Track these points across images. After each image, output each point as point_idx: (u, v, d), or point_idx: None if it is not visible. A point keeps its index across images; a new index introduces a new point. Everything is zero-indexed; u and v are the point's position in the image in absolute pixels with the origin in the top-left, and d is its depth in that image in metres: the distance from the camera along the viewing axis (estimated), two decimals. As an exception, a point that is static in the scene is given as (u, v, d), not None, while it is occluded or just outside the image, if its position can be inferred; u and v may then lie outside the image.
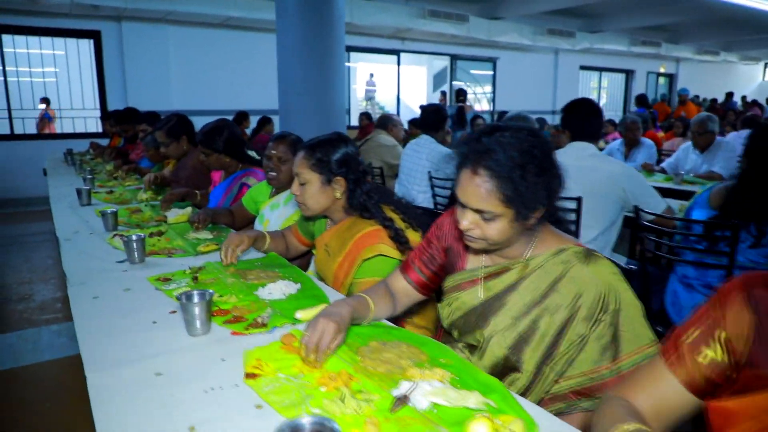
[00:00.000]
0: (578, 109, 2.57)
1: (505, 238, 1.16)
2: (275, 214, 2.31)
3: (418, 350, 1.22)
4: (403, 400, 0.99)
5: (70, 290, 1.65)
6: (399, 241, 1.65)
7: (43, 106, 7.96)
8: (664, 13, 10.95)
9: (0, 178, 7.44)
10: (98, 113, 8.02)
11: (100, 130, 8.04)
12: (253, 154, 2.85)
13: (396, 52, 10.77)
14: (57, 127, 7.93)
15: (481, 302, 1.28)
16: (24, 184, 7.49)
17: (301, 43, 3.66)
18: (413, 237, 1.67)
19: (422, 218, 1.76)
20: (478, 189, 1.11)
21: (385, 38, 10.33)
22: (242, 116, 7.38)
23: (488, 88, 12.56)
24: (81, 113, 8.02)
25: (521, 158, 1.09)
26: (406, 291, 1.45)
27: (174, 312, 1.45)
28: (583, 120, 2.54)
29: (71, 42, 7.79)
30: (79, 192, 2.94)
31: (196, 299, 1.31)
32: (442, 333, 1.47)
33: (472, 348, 1.30)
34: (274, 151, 2.26)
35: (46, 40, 7.64)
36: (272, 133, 7.00)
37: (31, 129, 7.74)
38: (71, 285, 1.69)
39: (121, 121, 4.99)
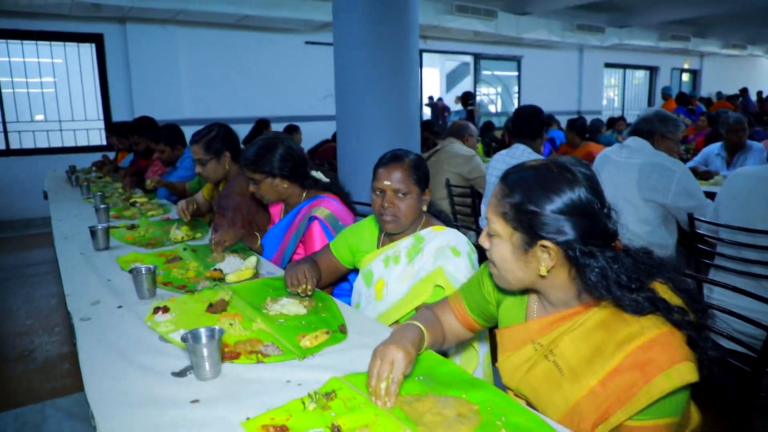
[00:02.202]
0: None
1: None
2: (394, 272, 1.57)
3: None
4: None
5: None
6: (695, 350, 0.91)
7: (40, 117, 7.21)
8: (693, 6, 10.29)
9: (-4, 197, 6.70)
10: (102, 124, 7.28)
11: (104, 142, 7.31)
12: (319, 175, 2.10)
13: (419, 52, 10.03)
14: (57, 141, 7.17)
15: None
16: (22, 204, 6.77)
17: (369, 42, 2.93)
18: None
19: None
20: None
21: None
22: (263, 124, 6.65)
23: (506, 89, 11.83)
24: (83, 125, 7.27)
25: None
26: (454, 330, 1.31)
27: None
28: None
29: (71, 48, 7.06)
30: (93, 232, 2.19)
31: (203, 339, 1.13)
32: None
33: None
34: (388, 182, 1.52)
35: (44, 48, 6.90)
36: (300, 142, 6.25)
37: (29, 143, 6.99)
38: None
39: (133, 133, 4.24)
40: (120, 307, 1.55)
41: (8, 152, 6.86)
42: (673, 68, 15.26)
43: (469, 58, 11.39)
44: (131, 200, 3.37)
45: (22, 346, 3.32)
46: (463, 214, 3.53)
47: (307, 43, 8.52)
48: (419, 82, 3.13)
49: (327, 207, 1.97)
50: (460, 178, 3.46)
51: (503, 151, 3.12)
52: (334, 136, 5.65)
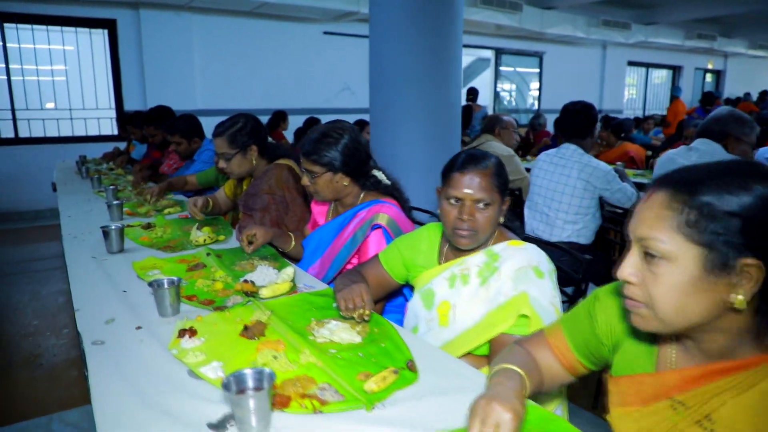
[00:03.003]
0: None
1: None
2: (463, 294, 1.31)
3: None
4: None
5: None
6: None
7: (51, 105, 7.00)
8: (721, 4, 9.94)
9: (4, 187, 6.51)
10: (113, 113, 7.06)
11: (115, 132, 7.10)
12: (381, 176, 1.85)
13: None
14: (67, 130, 6.96)
15: None
16: (31, 194, 6.58)
17: (409, 33, 2.67)
18: None
19: None
20: None
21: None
22: (280, 117, 6.41)
23: (534, 85, 11.53)
24: (94, 113, 7.06)
25: None
26: (553, 373, 1.05)
27: None
28: None
29: (83, 36, 6.83)
30: (106, 233, 1.95)
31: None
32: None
33: None
34: (469, 190, 1.28)
35: (55, 35, 6.68)
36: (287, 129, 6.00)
37: (38, 132, 6.78)
38: None
39: (149, 124, 4.00)
40: (139, 328, 1.31)
41: (17, 140, 6.66)
42: (697, 68, 14.88)
43: (488, 53, 11.08)
44: (144, 195, 3.13)
45: (27, 350, 3.10)
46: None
47: (325, 33, 8.27)
48: (461, 76, 2.84)
49: (387, 212, 1.71)
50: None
51: (551, 151, 2.85)
52: (308, 127, 5.41)
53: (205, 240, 2.07)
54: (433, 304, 1.37)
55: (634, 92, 14.29)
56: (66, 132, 6.94)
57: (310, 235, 1.92)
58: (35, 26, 6.54)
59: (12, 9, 6.26)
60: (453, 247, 1.41)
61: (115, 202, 2.52)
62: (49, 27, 6.62)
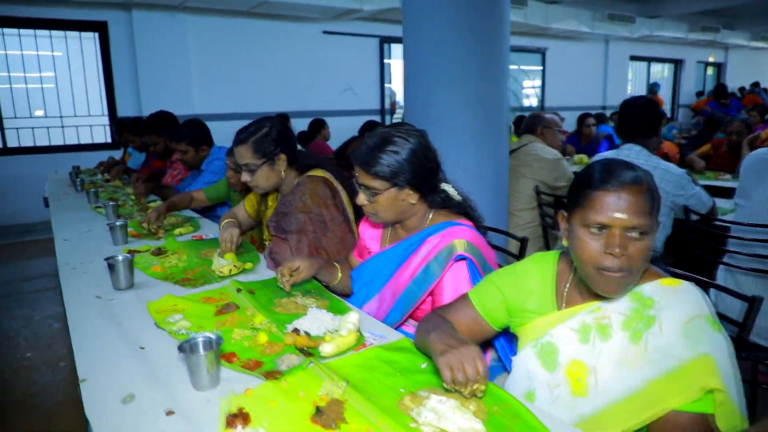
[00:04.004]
0: None
1: None
2: (605, 353, 0.99)
3: None
4: None
5: None
6: None
7: (40, 113, 6.61)
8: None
9: (-8, 200, 6.12)
10: (107, 120, 6.69)
11: (109, 139, 6.73)
12: (451, 190, 1.51)
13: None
14: (59, 138, 6.58)
15: None
16: (20, 207, 6.21)
17: (452, 34, 2.34)
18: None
19: None
20: None
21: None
22: (319, 124, 5.97)
23: (527, 83, 11.23)
24: (86, 121, 6.68)
25: None
26: None
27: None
28: None
29: (72, 40, 6.46)
30: (111, 265, 1.61)
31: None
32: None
33: None
34: (621, 215, 0.97)
35: (43, 41, 6.30)
36: (328, 139, 5.63)
37: (28, 141, 6.39)
38: None
39: (150, 132, 3.64)
40: (171, 413, 0.97)
41: (5, 151, 6.27)
42: (698, 61, 14.67)
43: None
44: (149, 211, 2.79)
45: (21, 388, 2.75)
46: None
47: (325, 32, 7.93)
48: (508, 72, 2.50)
49: (465, 237, 1.38)
50: (543, 186, 2.87)
51: (609, 153, 2.54)
52: (362, 133, 5.07)
53: (230, 270, 1.73)
54: (558, 363, 1.04)
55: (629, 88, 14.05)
56: (57, 141, 6.57)
57: (362, 265, 1.58)
58: (22, 32, 6.16)
59: (-3, 12, 5.89)
60: (580, 288, 1.08)
61: (118, 223, 2.17)
62: (38, 32, 6.25)
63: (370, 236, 1.64)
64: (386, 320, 1.44)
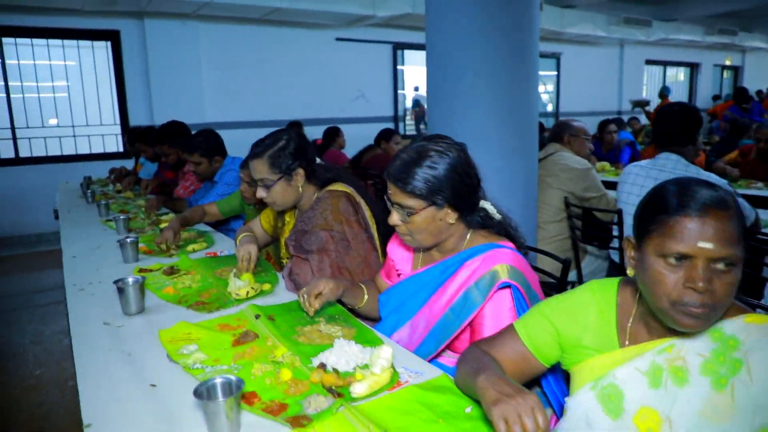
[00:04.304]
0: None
1: None
2: (681, 400, 0.86)
3: None
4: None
5: None
6: None
7: (54, 121, 6.57)
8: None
9: (5, 211, 6.08)
10: (119, 129, 6.65)
11: (121, 149, 6.68)
12: (491, 208, 1.39)
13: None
14: (70, 148, 6.54)
15: None
16: (32, 217, 6.17)
17: (477, 40, 2.22)
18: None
19: None
20: None
21: (443, 33, 8.89)
22: (334, 132, 5.82)
23: (548, 87, 11.08)
24: (98, 130, 6.64)
25: None
26: None
27: None
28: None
29: (85, 50, 6.43)
30: (120, 289, 1.50)
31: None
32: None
33: None
34: (707, 244, 0.83)
35: (56, 50, 6.27)
36: (343, 147, 5.51)
37: (40, 150, 6.36)
38: None
39: (162, 142, 3.55)
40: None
41: (18, 161, 6.24)
42: (714, 65, 14.45)
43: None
44: (161, 226, 2.69)
45: (29, 409, 2.66)
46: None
47: (338, 39, 7.86)
48: (538, 77, 2.37)
49: (509, 261, 1.26)
50: (571, 198, 2.74)
51: (644, 163, 2.40)
52: (378, 141, 4.95)
53: (248, 293, 1.62)
54: (624, 410, 0.91)
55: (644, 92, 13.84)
56: (69, 150, 6.53)
57: (392, 288, 1.46)
58: (35, 41, 6.14)
59: (11, 22, 5.87)
60: (648, 322, 0.95)
61: (128, 240, 2.07)
62: (50, 42, 6.22)
63: (400, 257, 1.52)
64: (419, 350, 1.32)
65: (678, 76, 14.19)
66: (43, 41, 6.19)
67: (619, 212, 2.21)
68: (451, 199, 1.27)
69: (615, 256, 2.41)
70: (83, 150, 6.59)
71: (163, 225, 2.68)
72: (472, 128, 2.24)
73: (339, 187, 1.85)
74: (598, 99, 11.62)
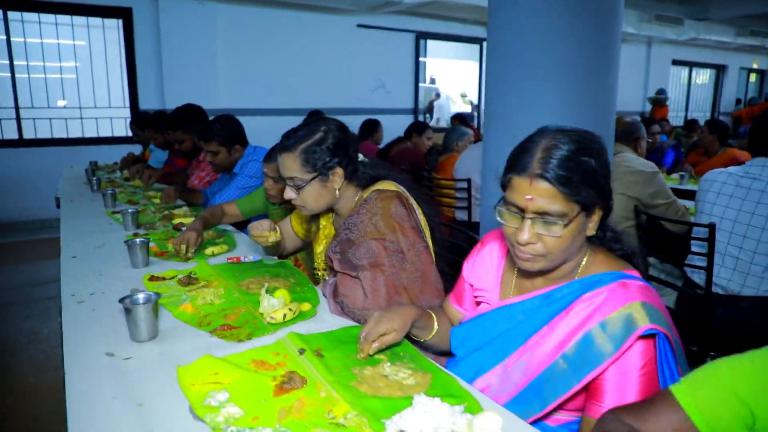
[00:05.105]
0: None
1: None
2: None
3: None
4: None
5: None
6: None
7: (62, 103, 6.28)
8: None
9: (7, 194, 5.80)
10: (128, 113, 6.34)
11: (130, 133, 6.37)
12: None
13: (479, 41, 8.96)
14: (77, 130, 6.24)
15: None
16: (36, 201, 5.88)
17: (551, 8, 1.88)
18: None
19: None
20: None
21: (468, 24, 8.54)
22: (373, 125, 5.48)
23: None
24: (106, 113, 6.33)
25: None
26: None
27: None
28: None
29: (95, 30, 6.12)
30: (128, 310, 1.19)
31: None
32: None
33: None
34: None
35: (65, 29, 5.96)
36: (380, 143, 5.14)
37: (45, 132, 6.06)
38: None
39: (175, 128, 3.24)
40: None
41: (21, 142, 5.95)
42: (741, 68, 14.01)
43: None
44: (174, 221, 2.38)
45: (21, 417, 2.37)
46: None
47: (359, 26, 7.52)
48: (618, 72, 2.02)
49: (641, 297, 0.94)
50: (640, 204, 2.41)
51: (734, 169, 2.07)
52: (410, 134, 4.63)
53: (285, 315, 1.30)
54: None
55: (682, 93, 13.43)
56: (75, 133, 6.23)
57: (472, 320, 1.14)
58: (43, 19, 5.83)
59: (18, -4, 5.57)
60: None
61: (137, 241, 1.75)
62: (59, 20, 5.91)
63: (483, 280, 1.20)
64: (515, 406, 1.00)
65: (700, 77, 13.76)
66: (51, 19, 5.89)
67: (712, 227, 1.88)
68: (593, 204, 0.97)
69: (694, 276, 2.09)
70: (90, 133, 6.30)
71: (176, 220, 2.37)
72: (539, 125, 1.91)
73: (388, 185, 1.53)
74: (621, 98, 11.19)
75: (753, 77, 14.86)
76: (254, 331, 1.25)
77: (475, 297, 1.21)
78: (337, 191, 1.52)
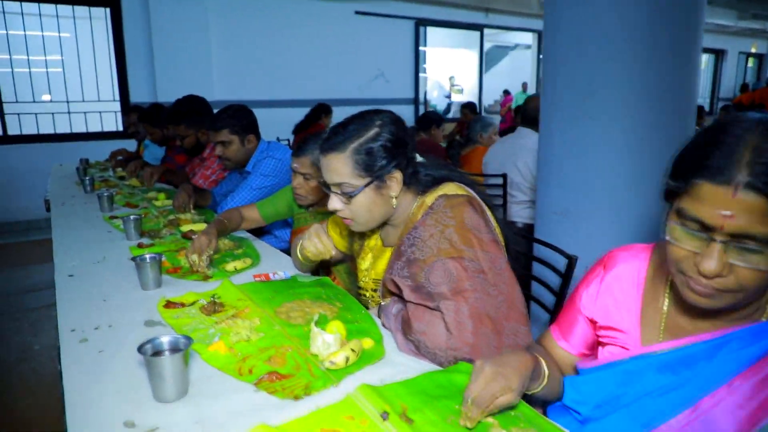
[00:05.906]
0: None
1: None
2: None
3: None
4: None
5: None
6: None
7: (47, 98, 5.91)
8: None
9: (-9, 194, 5.46)
10: (118, 106, 6.00)
11: (121, 127, 6.03)
12: None
13: (479, 27, 8.67)
14: (64, 126, 5.89)
15: None
16: (21, 202, 5.56)
17: (626, 26, 1.60)
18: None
19: None
20: None
21: (468, 10, 8.25)
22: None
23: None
24: (95, 106, 5.99)
25: None
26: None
27: None
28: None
29: (81, 21, 5.75)
30: (149, 362, 0.91)
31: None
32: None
33: None
34: None
35: (49, 20, 5.59)
36: (441, 141, 4.82)
37: (31, 128, 5.71)
38: None
39: (177, 122, 2.92)
40: None
41: (5, 139, 5.59)
42: (740, 52, 13.84)
43: (529, 38, 10.05)
44: (182, 228, 2.09)
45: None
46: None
47: (357, 13, 7.22)
48: (700, 73, 1.74)
49: None
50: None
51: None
52: (428, 126, 4.33)
53: (347, 359, 1.03)
54: None
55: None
56: (63, 128, 5.88)
57: (606, 367, 0.88)
58: (26, 10, 5.45)
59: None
60: None
61: (149, 258, 1.47)
62: (43, 11, 5.55)
63: (615, 315, 0.92)
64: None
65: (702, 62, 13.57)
66: (35, 9, 5.51)
67: None
68: None
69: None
70: (79, 128, 5.95)
71: (185, 227, 2.08)
72: (614, 112, 1.65)
73: (455, 189, 1.26)
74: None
75: (751, 62, 14.71)
76: (312, 382, 0.98)
77: (599, 337, 0.95)
78: (393, 200, 1.24)
